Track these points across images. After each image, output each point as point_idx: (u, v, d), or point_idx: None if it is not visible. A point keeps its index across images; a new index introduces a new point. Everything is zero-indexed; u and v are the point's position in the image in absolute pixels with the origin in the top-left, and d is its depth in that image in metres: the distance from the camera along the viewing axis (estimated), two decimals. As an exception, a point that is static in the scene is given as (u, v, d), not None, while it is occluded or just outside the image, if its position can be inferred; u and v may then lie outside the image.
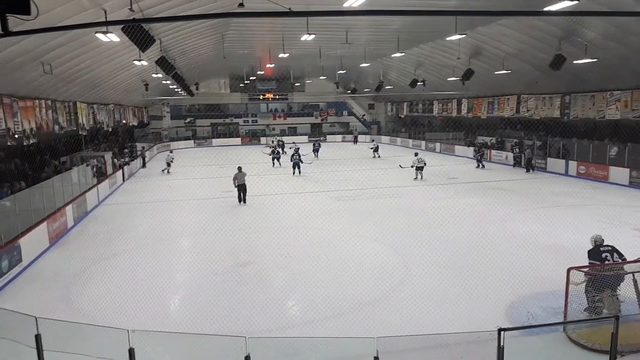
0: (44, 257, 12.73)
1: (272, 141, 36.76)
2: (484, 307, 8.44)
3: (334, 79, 40.61)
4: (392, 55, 27.15)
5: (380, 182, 22.24)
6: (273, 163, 29.36)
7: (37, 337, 5.61)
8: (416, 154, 24.94)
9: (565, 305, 7.46)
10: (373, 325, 7.64)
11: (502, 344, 5.01)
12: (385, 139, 47.45)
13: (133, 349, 5.16)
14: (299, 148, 27.57)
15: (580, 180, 22.66)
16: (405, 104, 44.74)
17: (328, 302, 9.02)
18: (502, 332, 5.00)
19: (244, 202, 18.81)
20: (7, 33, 6.08)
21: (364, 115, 52.81)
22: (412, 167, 23.83)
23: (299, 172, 25.84)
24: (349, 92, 45.23)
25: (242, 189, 18.74)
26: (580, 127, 25.28)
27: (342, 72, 35.14)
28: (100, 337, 5.83)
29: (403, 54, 25.69)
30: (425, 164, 23.59)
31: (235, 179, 18.76)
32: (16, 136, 14.23)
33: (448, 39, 20.94)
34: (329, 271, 10.66)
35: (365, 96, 45.99)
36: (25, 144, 15.32)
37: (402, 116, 46.82)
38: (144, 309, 8.70)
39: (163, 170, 28.45)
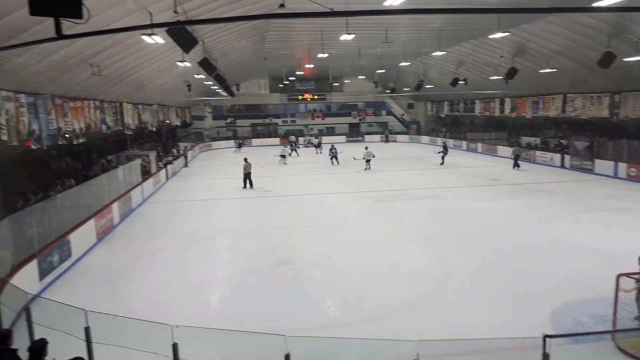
0: (92, 252, 13.21)
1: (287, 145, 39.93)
2: (526, 312, 8.21)
3: (372, 79, 40.39)
4: (433, 54, 26.79)
5: (419, 184, 21.98)
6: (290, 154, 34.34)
7: (87, 330, 5.82)
8: (366, 148, 28.63)
9: (615, 313, 7.16)
10: (411, 329, 7.56)
11: (547, 351, 4.86)
12: (424, 138, 46.84)
13: (177, 344, 5.29)
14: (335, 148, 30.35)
15: (630, 182, 21.70)
16: (446, 103, 44.02)
17: (365, 303, 8.99)
18: (547, 339, 4.85)
19: (251, 186, 22.10)
20: (61, 36, 6.36)
21: (402, 114, 52.29)
22: (362, 159, 27.56)
23: (337, 162, 29.28)
24: (388, 91, 44.89)
25: (248, 176, 22.28)
26: (631, 127, 24.19)
27: (381, 71, 34.95)
28: (145, 331, 5.98)
29: (444, 52, 25.30)
30: (373, 156, 27.46)
31: (245, 168, 22.44)
32: (67, 135, 14.83)
33: (491, 37, 20.45)
34: (366, 272, 10.62)
35: (405, 95, 45.51)
36: (75, 143, 15.95)
37: (443, 116, 46.09)
38: (186, 305, 8.92)
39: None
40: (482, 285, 9.75)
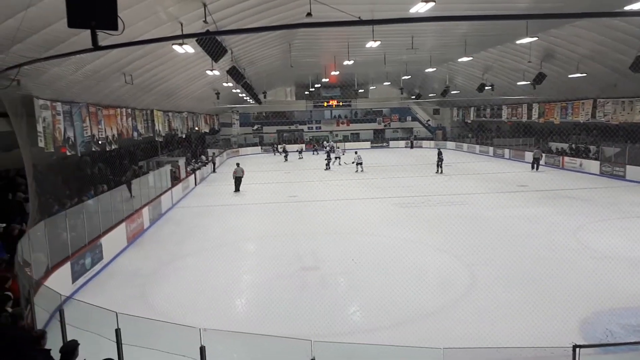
0: (122, 255, 13.55)
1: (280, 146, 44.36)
2: (556, 321, 8.05)
3: (398, 85, 40.26)
4: (459, 60, 26.57)
5: (444, 189, 21.79)
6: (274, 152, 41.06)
7: (117, 332, 5.98)
8: (356, 152, 31.03)
9: (647, 324, 7.00)
10: (437, 336, 7.52)
11: (577, 361, 4.79)
12: (450, 144, 46.38)
13: (204, 347, 5.40)
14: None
15: (665, 190, 21.06)
16: (472, 108, 43.55)
17: (391, 310, 8.98)
18: (577, 349, 4.79)
19: (238, 191, 23.61)
20: (97, 47, 6.61)
21: (428, 120, 51.94)
22: (353, 162, 29.71)
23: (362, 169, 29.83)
24: (414, 97, 44.65)
25: (238, 181, 23.76)
26: (665, 132, 23.51)
27: (406, 77, 34.83)
28: (174, 334, 6.11)
29: (471, 58, 25.09)
30: (362, 162, 29.55)
31: (235, 172, 24.00)
32: (100, 142, 15.28)
33: (518, 42, 20.20)
34: (391, 279, 10.59)
35: (430, 101, 45.24)
36: (107, 149, 16.41)
37: (469, 121, 45.60)
38: (213, 308, 9.07)
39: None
40: (510, 293, 9.62)
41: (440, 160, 28.47)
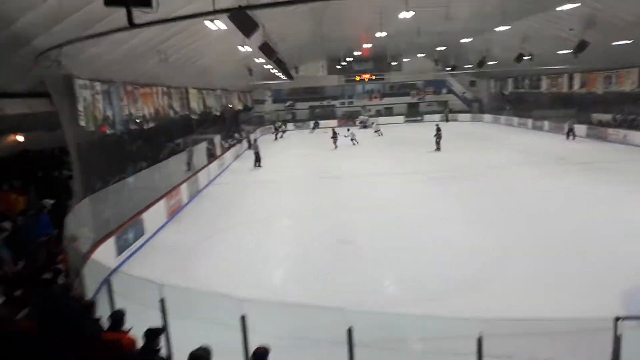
0: (163, 230, 13.97)
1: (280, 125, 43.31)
2: (595, 295, 7.90)
3: (432, 57, 39.32)
4: (496, 29, 25.64)
5: (480, 163, 21.39)
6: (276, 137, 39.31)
7: (162, 302, 6.21)
8: (348, 129, 32.71)
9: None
10: (473, 309, 7.50)
11: (618, 333, 4.71)
12: (487, 117, 45.24)
13: (244, 315, 5.57)
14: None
15: None
16: (510, 80, 42.20)
17: (425, 283, 9.00)
18: (618, 321, 4.70)
19: (259, 165, 24.43)
20: (133, 25, 6.73)
21: (464, 92, 50.64)
22: (345, 136, 30.74)
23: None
24: (449, 69, 43.54)
25: (257, 156, 24.72)
26: None
27: (441, 48, 33.96)
28: (215, 304, 6.30)
29: (508, 27, 24.17)
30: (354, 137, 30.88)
31: (254, 148, 25.51)
32: (137, 120, 15.63)
33: (559, 9, 19.31)
34: (425, 253, 10.60)
35: (466, 73, 43.99)
36: (145, 127, 16.78)
37: (507, 93, 44.24)
38: (251, 280, 9.30)
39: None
40: (547, 266, 9.47)
41: (438, 137, 26.76)
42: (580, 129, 30.82)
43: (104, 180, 12.69)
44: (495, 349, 4.85)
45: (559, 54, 26.98)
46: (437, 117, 48.50)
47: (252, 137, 34.85)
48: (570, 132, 28.95)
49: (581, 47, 23.43)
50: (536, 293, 8.15)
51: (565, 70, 31.27)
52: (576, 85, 31.82)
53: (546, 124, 35.28)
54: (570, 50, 24.64)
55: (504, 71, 38.67)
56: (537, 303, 7.75)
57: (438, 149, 26.50)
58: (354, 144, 30.72)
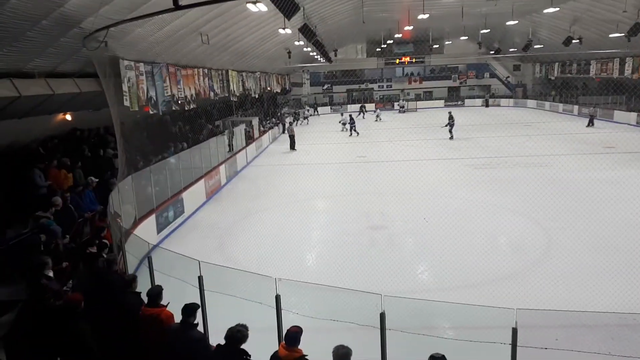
0: (202, 210, 14.31)
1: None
2: (638, 289, 7.62)
3: (476, 39, 38.15)
4: (544, 11, 24.59)
5: (522, 151, 20.80)
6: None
7: (200, 279, 6.38)
8: (342, 114, 34.82)
9: None
10: (510, 299, 7.34)
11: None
12: (531, 102, 43.81)
13: (279, 295, 5.66)
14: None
15: None
16: (557, 64, 40.60)
17: (460, 271, 8.89)
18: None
19: (294, 148, 25.09)
20: (177, 7, 6.85)
21: (507, 77, 49.09)
22: (339, 122, 31.37)
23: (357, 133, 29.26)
24: (492, 52, 42.23)
25: (292, 139, 25.29)
26: None
27: (485, 31, 32.88)
28: (251, 282, 6.41)
29: (557, 8, 23.16)
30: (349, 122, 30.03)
31: (289, 131, 26.11)
32: (179, 101, 15.95)
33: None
34: (462, 241, 10.43)
35: (511, 57, 42.54)
36: (186, 108, 17.11)
37: (553, 78, 42.62)
38: (286, 261, 9.43)
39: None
40: (590, 259, 9.19)
41: (451, 125, 26.06)
42: (629, 116, 29.50)
43: (147, 159, 13.06)
44: (530, 339, 4.77)
45: (611, 37, 25.73)
46: (478, 101, 47.36)
47: (287, 120, 35.03)
48: (590, 121, 29.12)
49: (635, 30, 22.27)
50: (578, 285, 7.93)
51: (616, 54, 29.82)
52: (628, 71, 30.32)
53: (594, 110, 33.90)
54: (623, 34, 23.47)
55: (551, 55, 37.20)
56: (579, 296, 7.53)
57: (451, 137, 25.79)
58: (343, 130, 30.52)
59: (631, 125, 27.96)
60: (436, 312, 6.33)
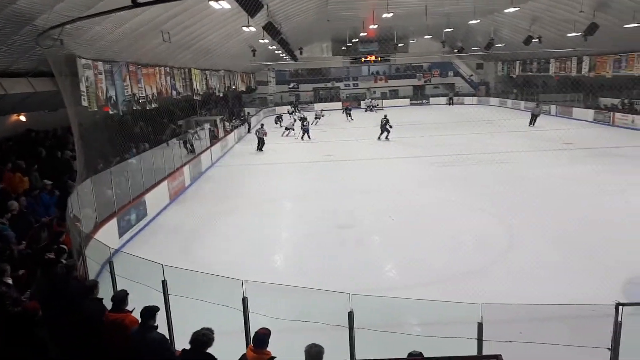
0: (165, 212, 14.01)
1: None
2: (599, 282, 7.84)
3: (439, 38, 38.79)
4: (505, 11, 25.22)
5: (485, 148, 21.24)
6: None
7: (164, 283, 6.23)
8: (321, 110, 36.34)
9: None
10: (475, 294, 7.46)
11: (620, 319, 4.69)
12: (494, 100, 44.86)
13: (246, 297, 5.58)
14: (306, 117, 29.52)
15: None
16: (518, 62, 41.72)
17: (427, 268, 8.99)
18: (620, 307, 4.68)
19: (260, 149, 24.17)
20: (136, 4, 6.64)
21: (471, 75, 50.10)
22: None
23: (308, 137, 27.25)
24: (456, 51, 43.02)
25: (261, 141, 24.38)
26: None
27: (448, 30, 33.48)
28: (217, 286, 6.31)
29: (517, 8, 23.75)
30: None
31: (257, 132, 24.88)
32: (140, 101, 15.56)
33: (570, -11, 18.97)
34: (428, 238, 10.57)
35: (474, 55, 43.42)
36: (148, 108, 16.72)
37: (514, 76, 43.79)
38: (253, 263, 9.33)
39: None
40: (552, 253, 9.44)
41: (384, 128, 25.29)
42: (587, 113, 30.58)
43: (107, 161, 12.69)
44: (495, 333, 4.85)
45: (568, 36, 26.60)
46: (443, 99, 48.17)
47: (253, 119, 34.69)
48: (533, 119, 29.16)
49: (591, 29, 23.06)
50: (539, 279, 8.13)
51: (574, 53, 30.87)
52: (585, 69, 31.45)
53: (553, 108, 34.97)
54: (580, 33, 24.29)
55: (512, 54, 38.20)
56: (541, 289, 7.73)
57: (379, 138, 25.32)
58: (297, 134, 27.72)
59: (589, 121, 28.98)
60: (403, 309, 6.37)
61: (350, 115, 37.51)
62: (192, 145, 19.35)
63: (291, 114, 37.97)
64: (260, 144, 24.49)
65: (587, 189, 13.95)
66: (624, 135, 24.17)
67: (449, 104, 46.29)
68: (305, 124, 27.85)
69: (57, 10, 8.83)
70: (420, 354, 4.30)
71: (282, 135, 28.54)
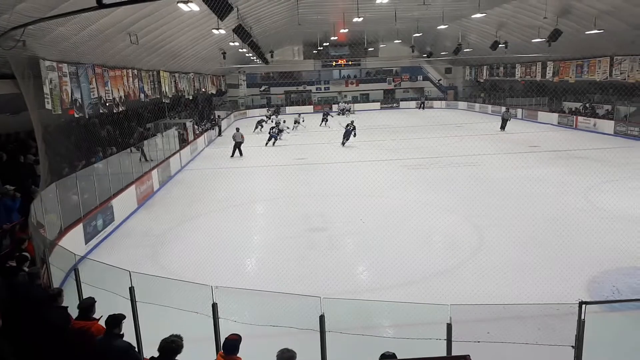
0: (133, 217, 13.73)
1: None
2: (563, 280, 8.10)
3: (409, 43, 39.29)
4: (472, 16, 25.81)
5: (454, 151, 21.62)
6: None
7: (131, 290, 6.10)
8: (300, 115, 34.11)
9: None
10: (445, 295, 7.59)
11: (583, 318, 4.82)
12: (462, 104, 45.69)
13: (216, 304, 5.50)
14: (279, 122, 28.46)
15: (681, 149, 20.71)
16: (485, 67, 42.66)
17: (398, 270, 9.06)
18: (583, 306, 4.81)
19: (240, 155, 23.18)
20: (101, 5, 6.48)
21: (440, 80, 50.96)
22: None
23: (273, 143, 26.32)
24: (425, 55, 43.70)
25: (237, 145, 23.30)
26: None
27: (418, 35, 33.99)
28: (186, 292, 6.22)
29: (484, 14, 24.33)
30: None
31: (234, 137, 23.59)
32: (107, 104, 15.23)
33: (534, -4, 19.52)
34: (399, 239, 10.65)
35: (442, 60, 44.24)
36: (115, 111, 16.38)
37: (481, 80, 44.77)
38: (223, 268, 9.21)
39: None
40: (518, 253, 9.65)
41: (347, 134, 25.11)
42: (551, 117, 31.47)
43: (72, 165, 12.36)
44: (464, 334, 4.92)
45: (533, 42, 27.35)
46: (413, 103, 48.79)
47: (224, 122, 34.20)
48: (504, 123, 29.11)
49: (555, 35, 23.78)
50: (507, 279, 8.30)
51: (539, 58, 31.76)
52: (549, 74, 32.38)
53: (519, 111, 35.84)
54: (544, 39, 25.01)
55: (479, 59, 39.08)
56: (508, 289, 7.90)
57: (343, 144, 25.07)
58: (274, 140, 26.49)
59: (553, 125, 29.81)
60: (374, 311, 6.41)
61: (326, 122, 34.91)
62: (144, 156, 17.55)
63: (269, 117, 35.41)
64: (237, 148, 23.21)
65: (552, 190, 14.35)
66: (586, 138, 24.96)
67: (421, 108, 46.88)
68: (274, 130, 26.70)
69: (18, 10, 8.55)
70: (394, 354, 4.33)
71: (267, 145, 26.23)
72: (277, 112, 40.90)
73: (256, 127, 32.10)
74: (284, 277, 8.82)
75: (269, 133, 26.73)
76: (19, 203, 9.88)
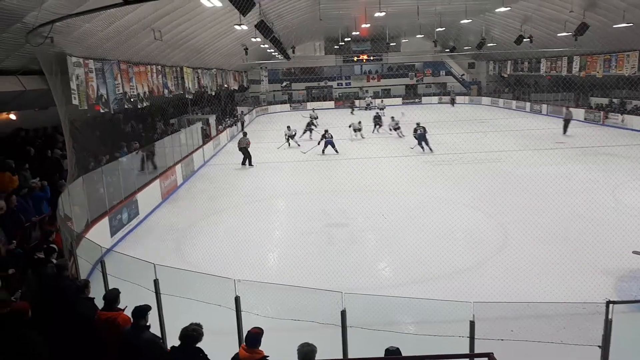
0: (157, 211, 13.93)
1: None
2: (590, 280, 7.91)
3: (431, 37, 38.87)
4: (496, 10, 25.34)
5: (478, 147, 21.33)
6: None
7: (156, 282, 6.21)
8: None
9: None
10: (467, 292, 7.50)
11: (610, 317, 4.72)
12: (486, 100, 45.02)
13: (239, 297, 5.56)
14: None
15: None
16: (509, 62, 41.92)
17: (420, 267, 8.99)
18: (610, 305, 4.71)
19: (250, 164, 19.87)
20: (126, 2, 6.59)
21: (462, 75, 50.29)
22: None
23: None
24: (448, 50, 43.14)
25: (243, 152, 19.92)
26: None
27: (440, 29, 33.57)
28: (209, 285, 6.28)
29: (508, 8, 23.87)
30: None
31: (239, 143, 20.19)
32: (132, 100, 15.46)
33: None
34: (422, 236, 10.58)
35: (465, 54, 43.61)
36: (139, 107, 16.61)
37: (506, 76, 44.00)
38: (246, 262, 9.30)
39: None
40: (544, 251, 9.49)
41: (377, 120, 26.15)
42: (578, 112, 30.79)
43: (98, 159, 12.60)
44: (487, 331, 4.87)
45: (559, 36, 26.76)
46: (435, 99, 48.27)
47: (247, 118, 34.17)
48: (566, 125, 26.04)
49: (581, 29, 23.21)
50: (531, 277, 8.18)
51: (565, 53, 31.08)
52: (575, 69, 31.65)
53: (544, 107, 35.17)
54: (571, 33, 24.44)
55: (504, 53, 38.39)
56: (533, 287, 7.78)
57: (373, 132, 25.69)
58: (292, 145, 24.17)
59: (580, 121, 29.14)
60: (396, 307, 6.37)
61: (379, 127, 28.80)
62: (152, 163, 15.57)
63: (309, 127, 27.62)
64: (246, 157, 20.04)
65: (578, 186, 14.04)
66: (614, 134, 24.37)
67: (452, 104, 45.85)
68: (328, 134, 21.97)
69: (46, 7, 8.74)
70: (397, 349, 4.32)
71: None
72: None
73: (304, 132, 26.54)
74: (305, 272, 8.84)
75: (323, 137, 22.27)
76: (49, 192, 10.12)
